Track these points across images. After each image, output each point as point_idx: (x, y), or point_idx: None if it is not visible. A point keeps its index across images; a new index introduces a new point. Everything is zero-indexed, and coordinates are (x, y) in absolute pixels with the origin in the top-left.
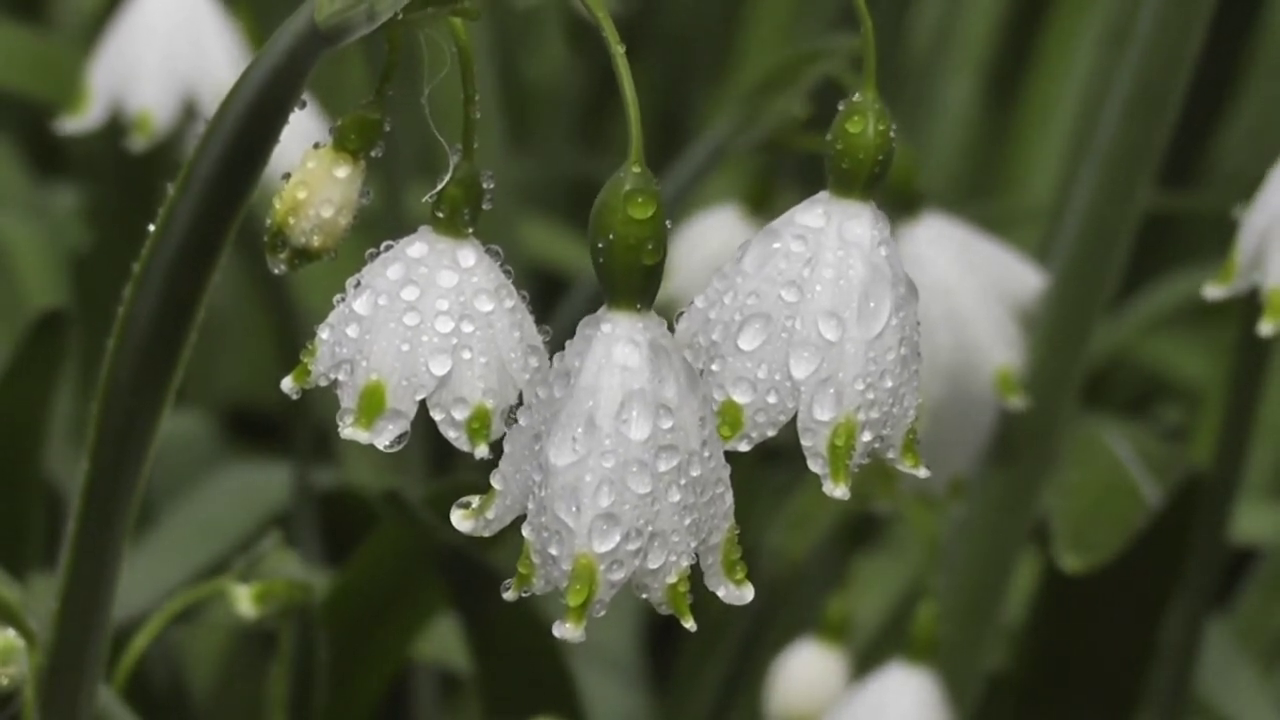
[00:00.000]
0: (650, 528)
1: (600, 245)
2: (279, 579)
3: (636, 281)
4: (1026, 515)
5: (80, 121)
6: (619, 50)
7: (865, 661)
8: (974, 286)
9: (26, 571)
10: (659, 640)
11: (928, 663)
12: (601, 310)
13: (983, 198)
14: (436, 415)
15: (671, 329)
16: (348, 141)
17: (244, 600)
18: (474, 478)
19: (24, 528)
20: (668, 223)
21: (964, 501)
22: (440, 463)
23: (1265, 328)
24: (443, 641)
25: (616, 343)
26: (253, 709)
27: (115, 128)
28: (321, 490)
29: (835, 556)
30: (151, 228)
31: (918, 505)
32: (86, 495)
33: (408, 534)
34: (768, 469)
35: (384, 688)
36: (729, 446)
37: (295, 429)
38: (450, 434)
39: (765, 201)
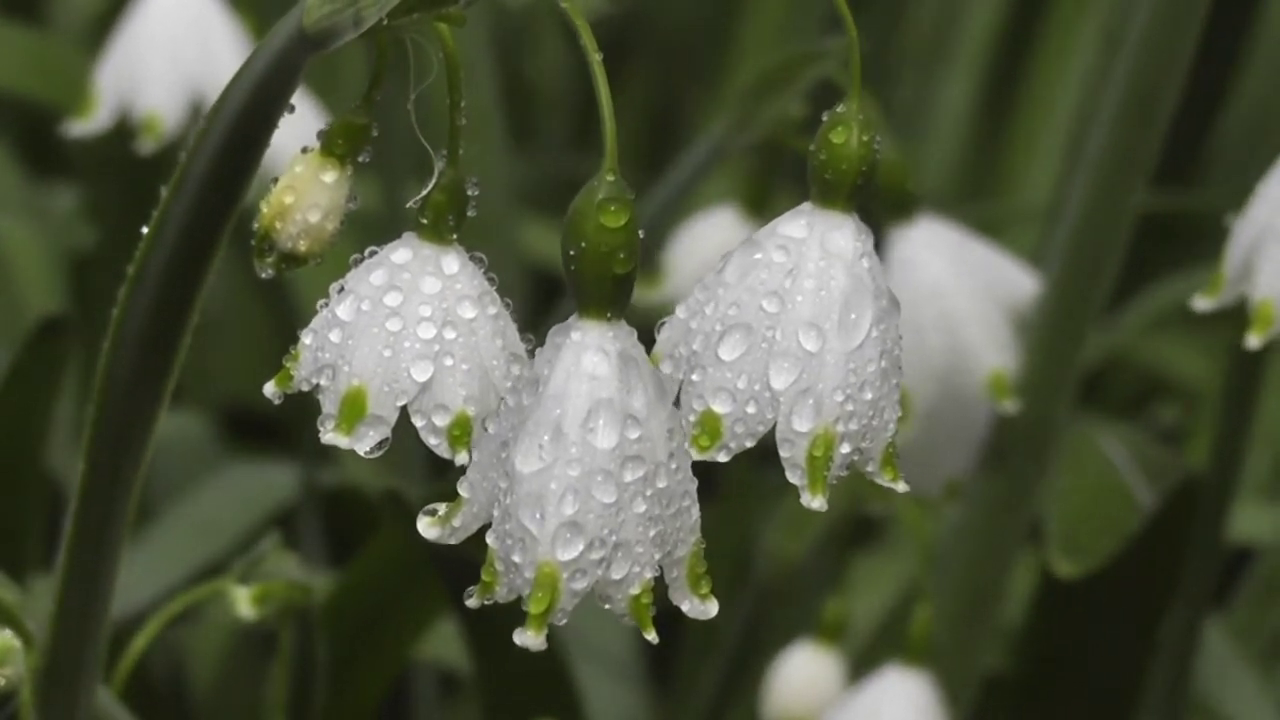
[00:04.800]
0: (614, 537)
1: (572, 253)
2: (278, 580)
3: (607, 290)
4: (1023, 517)
5: (87, 124)
6: (596, 59)
7: (862, 663)
8: (968, 289)
9: (27, 573)
10: (659, 640)
11: (924, 664)
12: (571, 318)
13: (980, 199)
14: (418, 422)
15: (653, 338)
16: (335, 146)
17: (243, 601)
18: None
19: (24, 529)
20: (642, 233)
21: (960, 503)
22: (440, 464)
23: (1253, 340)
24: (443, 641)
25: (585, 351)
26: (253, 709)
27: (116, 129)
28: (324, 490)
29: (831, 558)
30: (146, 230)
31: (913, 507)
32: (83, 497)
33: (408, 536)
34: (763, 470)
35: (385, 689)
36: (707, 457)
37: (299, 429)
38: (431, 441)
39: (763, 202)
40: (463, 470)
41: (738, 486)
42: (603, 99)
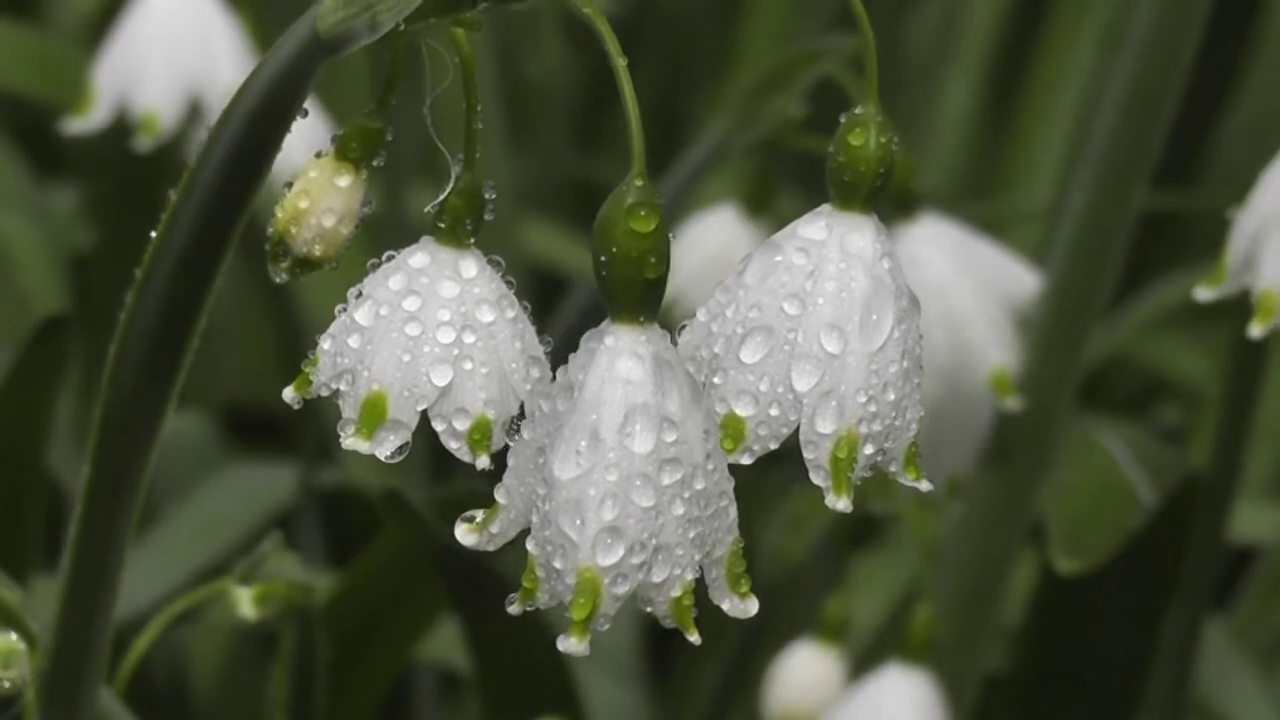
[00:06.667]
0: (654, 541)
1: (603, 259)
2: (279, 581)
3: (639, 295)
4: (1024, 516)
5: (85, 122)
6: (621, 63)
7: (863, 662)
8: (970, 287)
9: (28, 574)
10: (659, 640)
11: (925, 663)
12: (604, 323)
13: (982, 199)
14: (438, 426)
15: (673, 337)
16: (349, 150)
17: (245, 602)
18: (476, 483)
19: (26, 530)
20: (670, 235)
21: (962, 502)
22: (442, 465)
23: (1256, 330)
24: (443, 641)
25: (619, 356)
26: (254, 710)
27: (116, 128)
28: (325, 490)
29: (833, 557)
30: (153, 233)
31: (915, 506)
32: (88, 499)
33: (410, 536)
34: (766, 471)
35: (386, 690)
36: (731, 459)
37: (300, 429)
38: (452, 444)
39: (764, 202)
40: (471, 468)
41: (739, 486)
42: (628, 103)
